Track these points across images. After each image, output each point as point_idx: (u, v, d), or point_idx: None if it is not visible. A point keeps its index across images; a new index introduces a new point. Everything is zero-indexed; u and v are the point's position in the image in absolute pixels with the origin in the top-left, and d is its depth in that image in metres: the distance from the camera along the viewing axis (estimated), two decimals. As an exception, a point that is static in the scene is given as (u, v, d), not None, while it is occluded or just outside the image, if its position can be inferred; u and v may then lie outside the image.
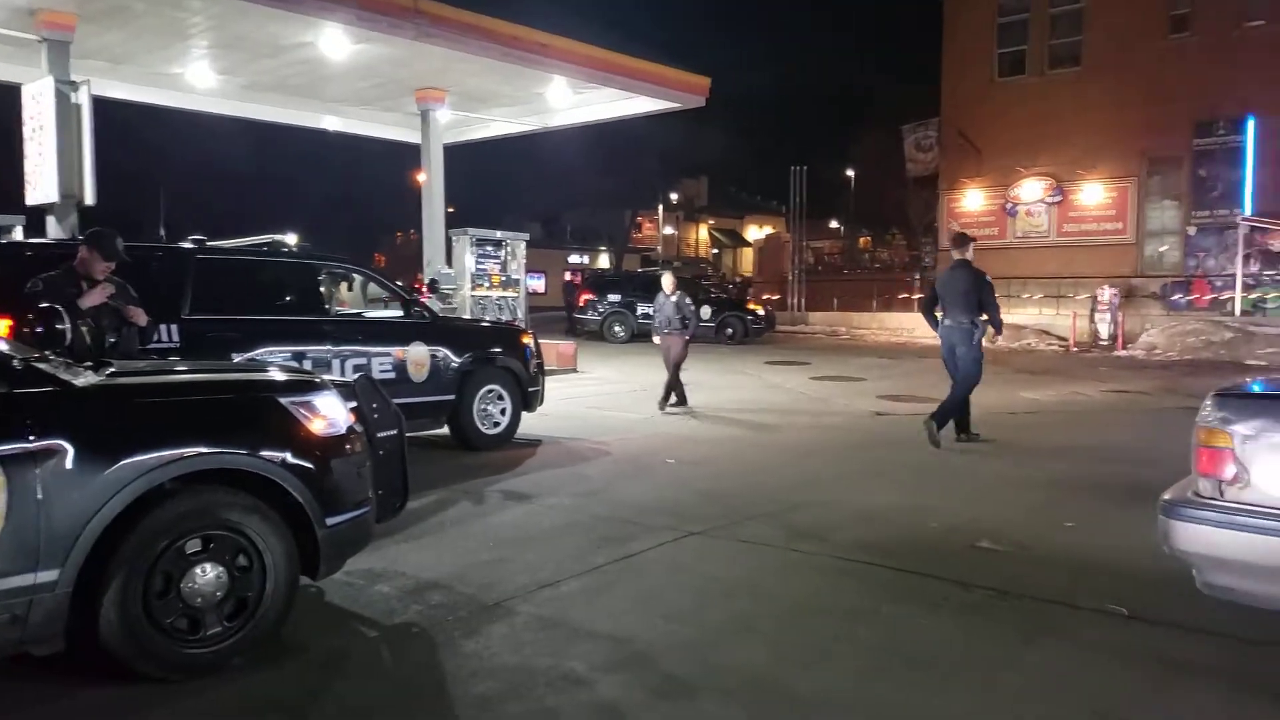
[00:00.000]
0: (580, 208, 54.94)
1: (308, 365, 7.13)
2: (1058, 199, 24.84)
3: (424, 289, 12.62)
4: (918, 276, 28.68)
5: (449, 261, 14.95)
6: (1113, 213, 24.05)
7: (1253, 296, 20.91)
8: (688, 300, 11.16)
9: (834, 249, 37.06)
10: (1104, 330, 21.11)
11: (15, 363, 3.27)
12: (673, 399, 10.92)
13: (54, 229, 10.76)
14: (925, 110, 28.68)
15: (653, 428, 9.80)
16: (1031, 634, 3.99)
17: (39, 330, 4.70)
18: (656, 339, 11.37)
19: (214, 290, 6.90)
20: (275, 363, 6.66)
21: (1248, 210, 21.14)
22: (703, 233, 56.26)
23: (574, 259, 48.16)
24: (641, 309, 23.15)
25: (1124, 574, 4.70)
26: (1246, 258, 21.02)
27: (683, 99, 15.17)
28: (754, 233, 53.77)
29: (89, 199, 10.60)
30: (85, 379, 3.51)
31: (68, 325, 4.74)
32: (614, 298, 23.80)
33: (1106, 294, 21.24)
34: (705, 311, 23.09)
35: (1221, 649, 3.81)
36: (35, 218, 11.71)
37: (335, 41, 11.60)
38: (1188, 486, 3.67)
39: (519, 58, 12.69)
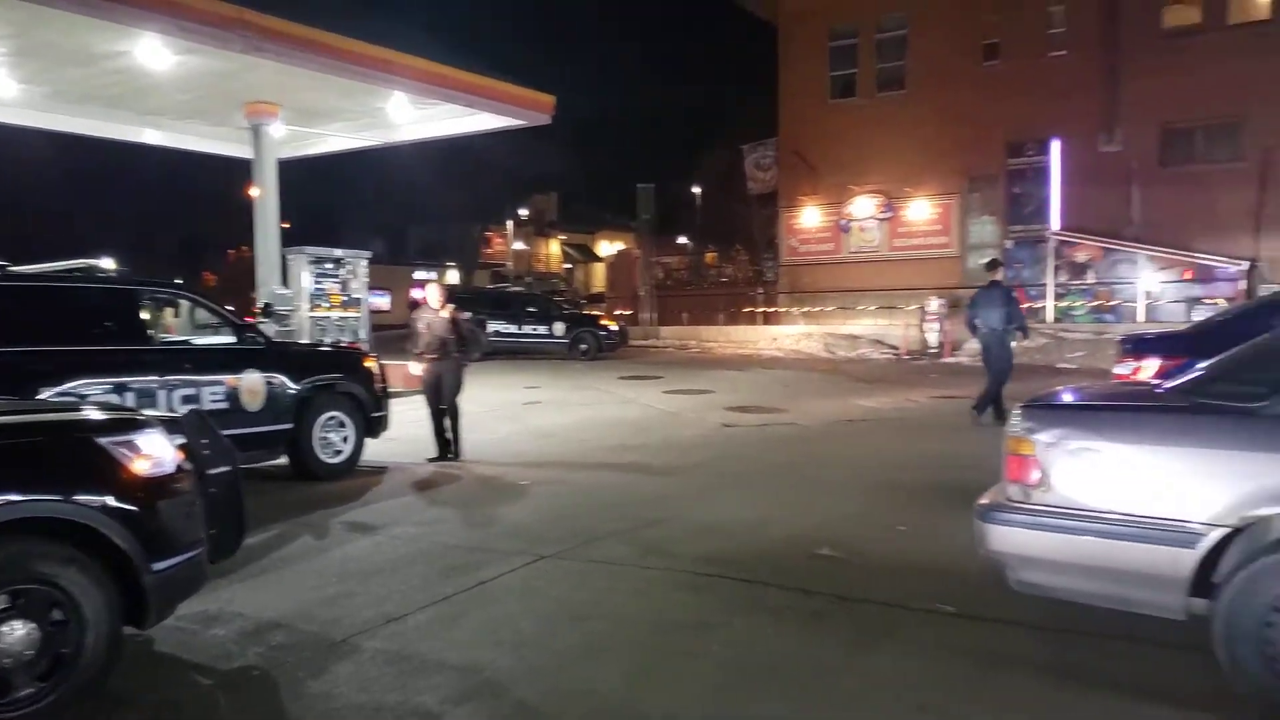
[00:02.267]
0: (428, 223, 53.89)
1: (130, 397, 6.72)
2: (888, 215, 26.18)
3: (259, 312, 12.04)
4: (760, 291, 29.63)
5: (285, 281, 14.34)
6: (939, 228, 25.54)
7: (1063, 304, 22.67)
8: (466, 316, 9.48)
9: (682, 264, 37.83)
10: (932, 339, 22.29)
11: None
12: (449, 451, 8.98)
13: None
14: (765, 130, 29.71)
15: (506, 448, 9.72)
16: (868, 637, 4.20)
17: None
18: (415, 367, 9.13)
19: (19, 320, 6.39)
20: (95, 399, 6.23)
21: (1055, 225, 22.93)
22: (554, 248, 56.29)
23: (420, 275, 47.18)
24: (493, 326, 22.94)
25: (952, 574, 4.99)
26: (1056, 269, 22.80)
27: (527, 116, 15.17)
28: (605, 248, 54.23)
29: None
30: None
31: None
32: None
33: (934, 304, 22.43)
34: (559, 328, 23.16)
35: (1037, 640, 4.12)
36: None
37: (155, 52, 10.96)
38: (1000, 492, 3.96)
39: (356, 73, 12.35)
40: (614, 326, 24.19)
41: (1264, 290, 18.74)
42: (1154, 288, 21.82)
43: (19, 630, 3.30)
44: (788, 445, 9.86)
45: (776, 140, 28.84)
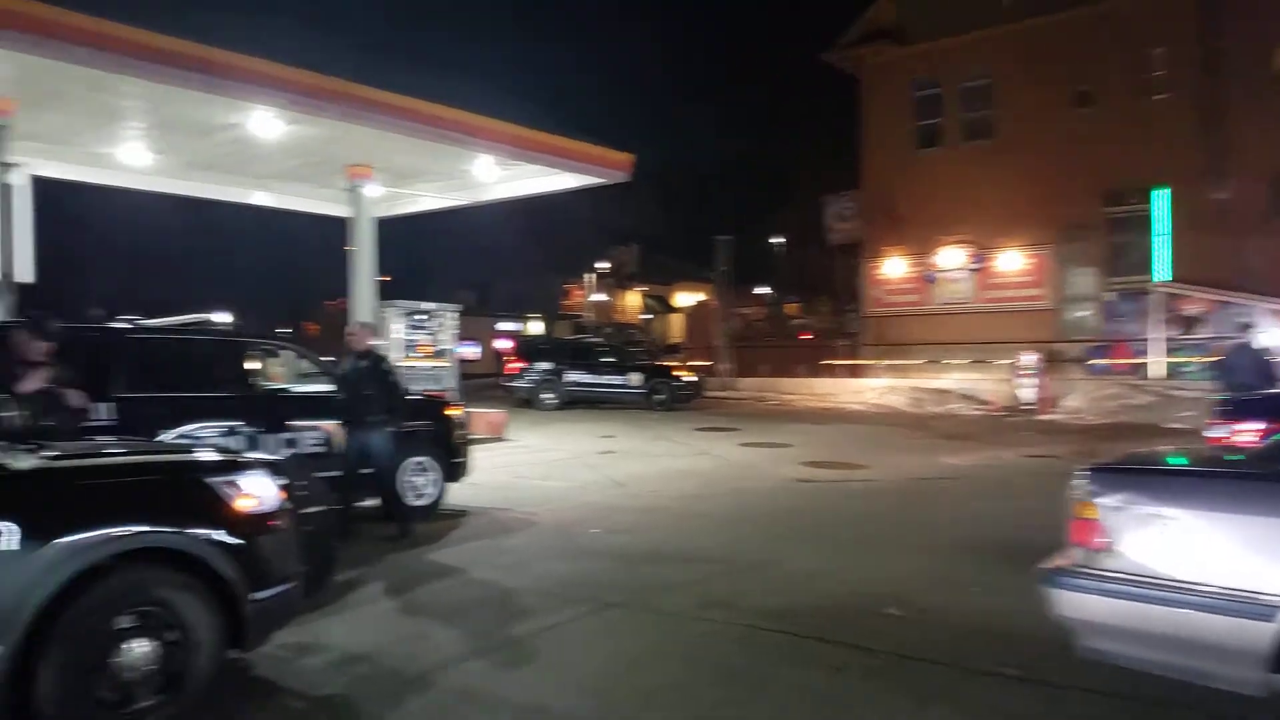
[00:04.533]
0: (513, 276, 55.36)
1: (237, 440, 7.28)
2: (978, 266, 25.60)
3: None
4: (842, 343, 29.51)
5: (379, 333, 15.09)
6: (1032, 279, 24.86)
7: (1174, 360, 21.28)
8: (386, 367, 7.94)
9: (761, 315, 37.96)
10: (1026, 394, 21.39)
11: (-43, 451, 3.45)
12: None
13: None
14: (847, 181, 29.77)
15: (580, 497, 10.03)
16: (927, 698, 4.23)
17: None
18: (327, 426, 7.83)
19: (146, 368, 7.05)
20: (208, 441, 6.80)
21: (1162, 276, 21.89)
22: (633, 299, 57.03)
23: (504, 326, 48.43)
24: (571, 376, 23.48)
25: (1022, 637, 4.84)
26: (1164, 322, 21.66)
27: (606, 174, 15.70)
28: (684, 299, 54.72)
29: (27, 277, 10.67)
30: (26, 462, 3.69)
31: (14, 412, 4.88)
32: (544, 365, 24.07)
33: (1028, 359, 21.64)
34: (635, 378, 23.53)
35: (1104, 708, 4.08)
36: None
37: (266, 123, 11.87)
38: (1067, 555, 3.89)
39: (444, 136, 13.04)
40: (690, 377, 24.41)
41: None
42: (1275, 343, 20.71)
43: (142, 647, 3.74)
44: (863, 501, 9.89)
45: (859, 191, 28.88)
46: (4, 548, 3.36)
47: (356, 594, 5.99)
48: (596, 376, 23.71)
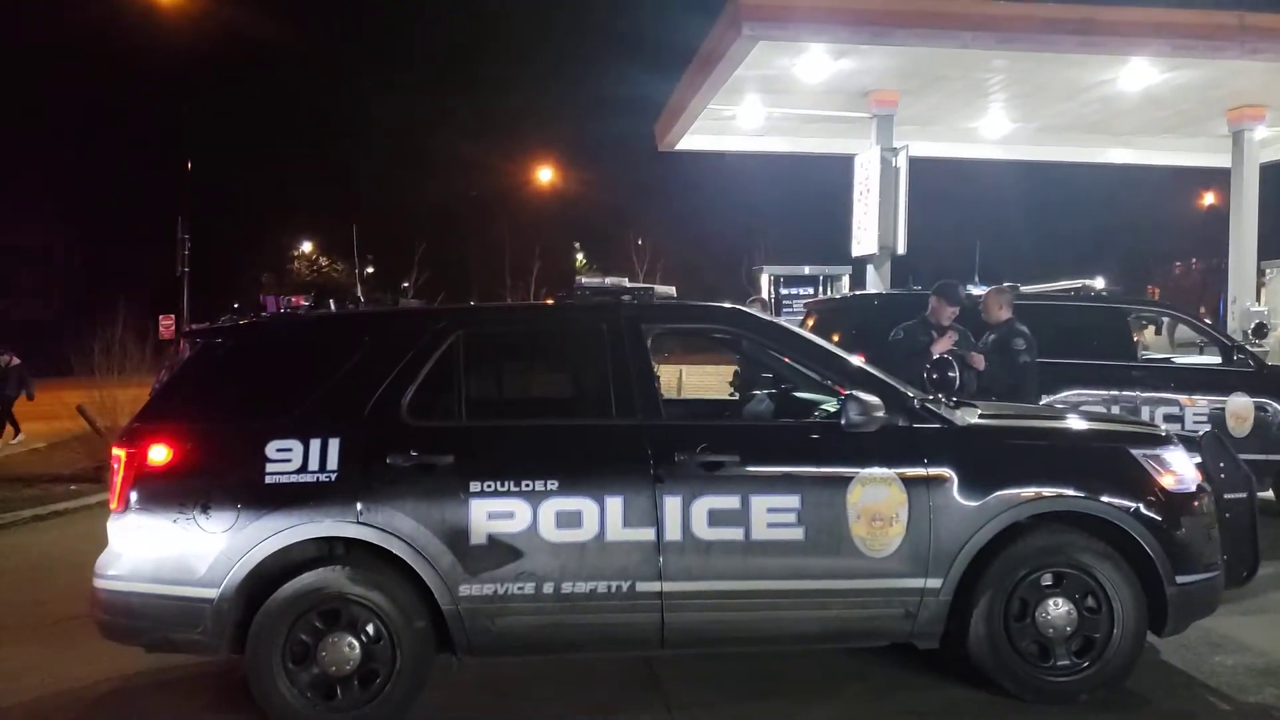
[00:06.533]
0: None
1: (1115, 411, 7.05)
2: None
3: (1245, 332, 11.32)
4: None
5: (1259, 297, 13.17)
6: None
7: None
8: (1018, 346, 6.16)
9: None
10: None
11: (914, 402, 3.96)
12: None
13: (872, 278, 12.53)
14: None
15: None
16: None
17: (934, 377, 5.49)
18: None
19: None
20: (1085, 410, 6.71)
21: None
22: None
23: None
24: None
25: None
26: None
27: None
28: None
29: (901, 250, 12.10)
30: (968, 418, 4.06)
31: (957, 373, 5.50)
32: None
33: None
34: None
35: None
36: (858, 268, 13.75)
37: (1139, 74, 11.21)
38: None
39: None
40: None
41: None
42: None
43: (1061, 607, 3.82)
44: None
45: None
46: (948, 493, 3.75)
47: (1273, 596, 5.25)
48: None
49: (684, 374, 16.20)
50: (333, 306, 4.51)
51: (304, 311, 4.66)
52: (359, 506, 3.59)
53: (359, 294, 5.71)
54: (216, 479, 3.66)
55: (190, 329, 9.85)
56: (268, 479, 3.61)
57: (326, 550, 3.73)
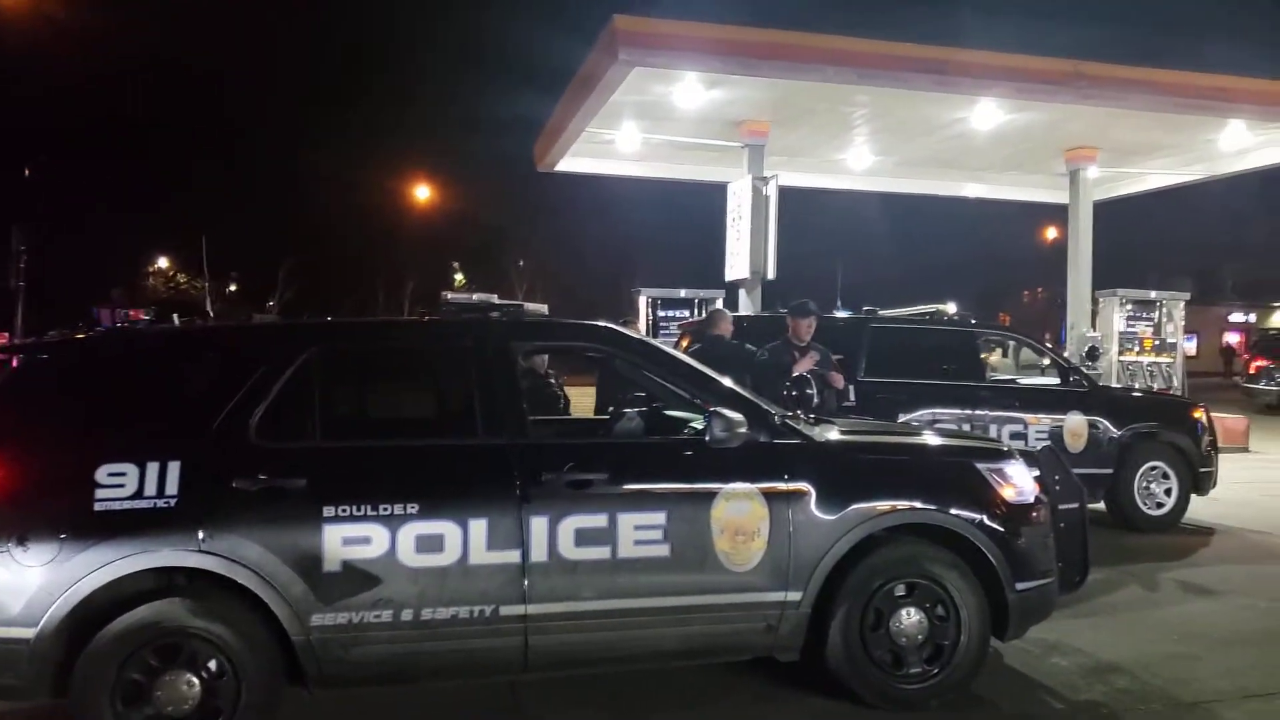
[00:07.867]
0: (1245, 259, 47.15)
1: (965, 429, 7.42)
2: None
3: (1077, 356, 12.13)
4: None
5: (1093, 324, 14.13)
6: None
7: None
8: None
9: None
10: None
11: (776, 419, 4.05)
12: None
13: (744, 301, 12.80)
14: None
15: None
16: None
17: (794, 394, 5.65)
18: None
19: (884, 355, 7.60)
20: (940, 429, 7.04)
21: None
22: None
23: (1236, 317, 41.54)
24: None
25: None
26: None
27: None
28: None
29: (771, 274, 12.41)
30: (826, 434, 4.19)
31: (815, 391, 5.67)
32: (1298, 365, 19.98)
33: None
34: None
35: None
36: (731, 291, 14.02)
37: (988, 114, 11.89)
38: None
39: (1187, 105, 11.57)
40: None
41: None
42: None
43: (913, 616, 3.98)
44: None
45: None
46: (807, 507, 3.84)
47: (1100, 600, 5.62)
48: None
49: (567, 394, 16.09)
50: (176, 321, 4.27)
51: (143, 326, 4.40)
52: (201, 534, 3.39)
53: (209, 309, 5.44)
54: (35, 508, 3.38)
55: (9, 344, 9.07)
56: (97, 506, 3.36)
57: (165, 581, 3.50)
